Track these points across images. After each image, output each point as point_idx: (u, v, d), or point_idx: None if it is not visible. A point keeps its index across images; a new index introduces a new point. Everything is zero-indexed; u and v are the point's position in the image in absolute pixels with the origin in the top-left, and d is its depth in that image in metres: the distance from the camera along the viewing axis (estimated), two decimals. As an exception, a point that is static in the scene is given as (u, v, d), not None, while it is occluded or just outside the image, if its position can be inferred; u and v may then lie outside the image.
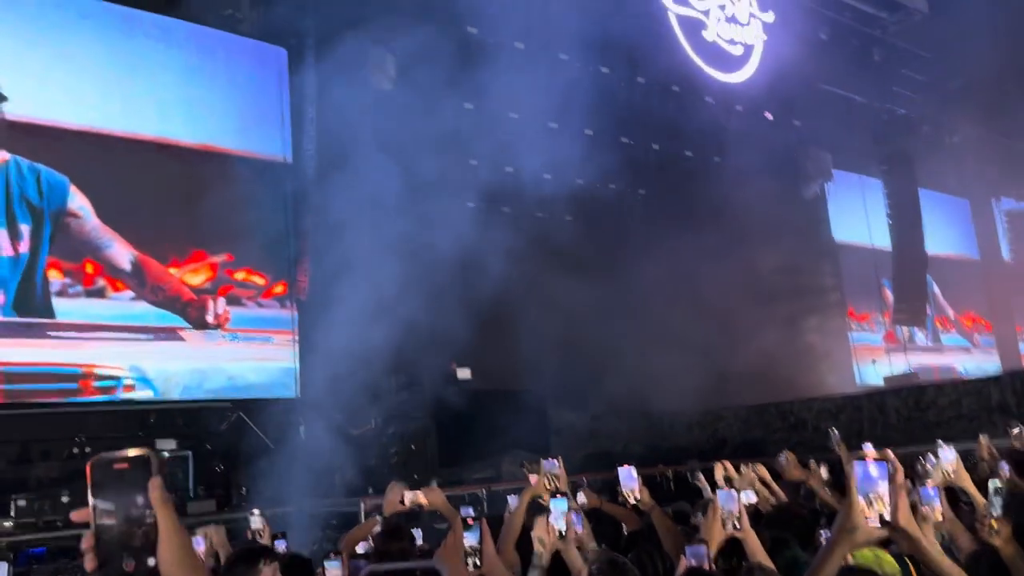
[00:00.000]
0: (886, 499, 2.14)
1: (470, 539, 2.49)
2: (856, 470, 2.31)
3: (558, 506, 3.19)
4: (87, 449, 9.58)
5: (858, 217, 21.33)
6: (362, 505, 9.01)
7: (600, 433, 14.21)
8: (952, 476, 3.72)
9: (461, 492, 10.08)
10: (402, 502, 4.28)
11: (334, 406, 10.05)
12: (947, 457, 3.82)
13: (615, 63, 15.53)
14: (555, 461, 4.34)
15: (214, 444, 10.80)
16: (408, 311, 9.94)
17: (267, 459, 10.31)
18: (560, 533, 3.20)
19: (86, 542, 1.20)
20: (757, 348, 15.87)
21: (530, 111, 13.96)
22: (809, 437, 12.78)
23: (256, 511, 4.48)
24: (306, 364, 11.30)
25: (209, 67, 12.17)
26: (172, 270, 11.05)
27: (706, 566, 2.60)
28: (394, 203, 9.91)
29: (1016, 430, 5.61)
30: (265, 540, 4.24)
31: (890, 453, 2.30)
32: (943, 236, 22.02)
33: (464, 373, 13.11)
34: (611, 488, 5.46)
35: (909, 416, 12.60)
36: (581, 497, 4.55)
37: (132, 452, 1.25)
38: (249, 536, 4.33)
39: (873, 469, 2.24)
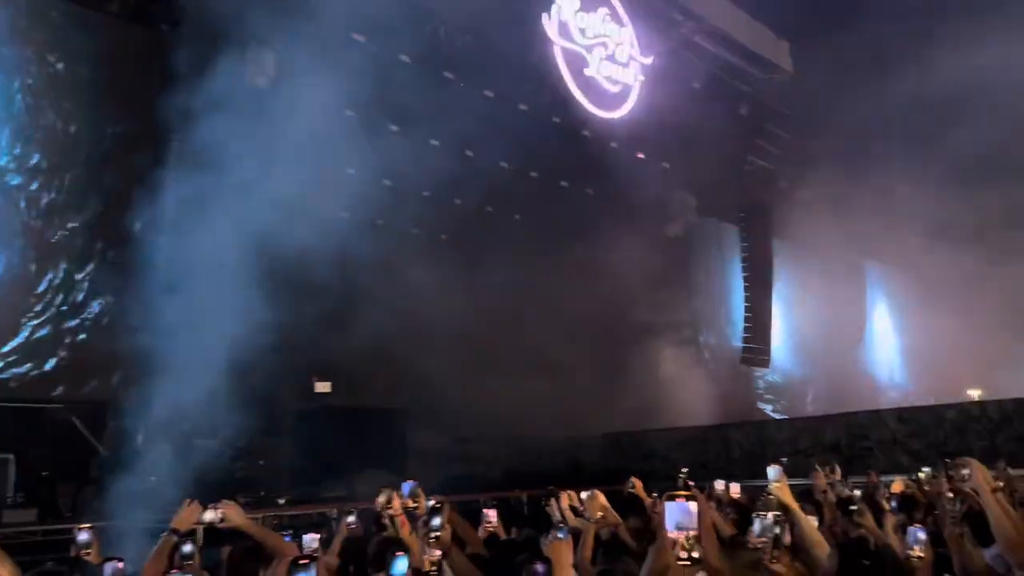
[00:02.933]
0: (694, 535, 2.20)
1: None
2: (667, 509, 2.36)
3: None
4: None
5: (715, 260, 22.54)
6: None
7: (461, 456, 14.12)
8: (777, 492, 3.90)
9: (311, 511, 9.73)
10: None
11: (177, 415, 9.48)
12: (772, 475, 4.01)
13: (499, 88, 15.71)
14: (412, 483, 4.18)
15: (41, 448, 9.91)
16: (267, 320, 9.56)
17: (100, 468, 9.59)
18: None
19: None
20: (616, 377, 16.32)
21: (413, 127, 13.90)
22: (659, 466, 13.21)
23: (85, 526, 4.03)
24: (152, 368, 10.63)
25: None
26: None
27: None
28: (255, 205, 9.54)
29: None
30: (93, 559, 3.82)
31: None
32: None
33: (323, 387, 12.75)
34: (470, 513, 5.39)
35: (751, 450, 13.26)
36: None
37: None
38: (73, 554, 3.87)
39: (680, 509, 2.30)
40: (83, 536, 3.92)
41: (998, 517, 3.29)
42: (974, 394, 14.46)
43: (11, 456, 9.44)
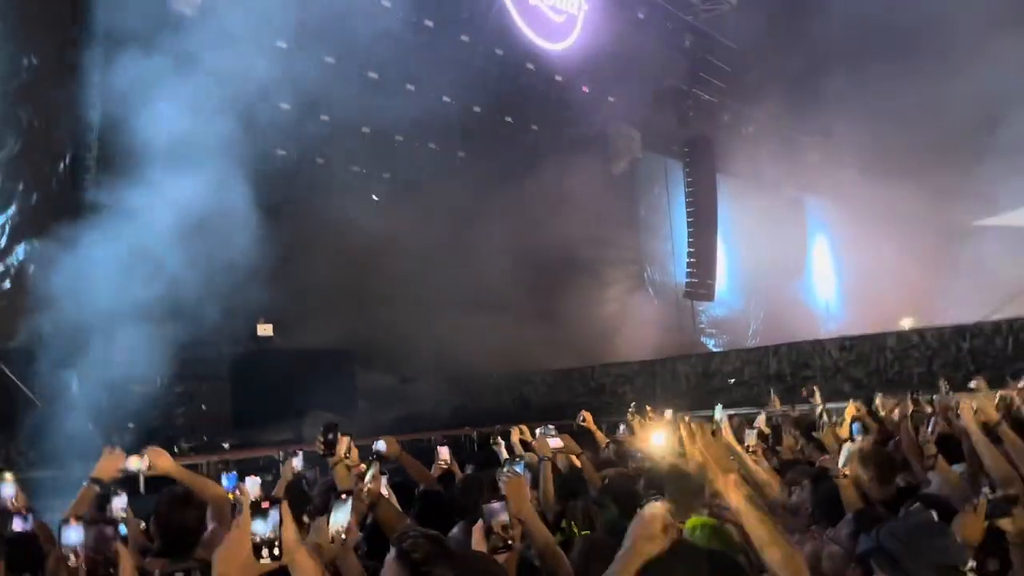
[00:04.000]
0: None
1: (262, 528, 1.86)
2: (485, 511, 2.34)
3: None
4: None
5: (659, 196, 22.60)
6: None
7: (408, 396, 14.04)
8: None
9: (256, 455, 9.56)
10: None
11: (113, 361, 9.13)
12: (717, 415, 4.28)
13: (440, 19, 15.19)
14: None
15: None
16: (206, 263, 9.22)
17: (33, 417, 9.22)
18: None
19: None
20: (562, 313, 16.36)
21: (350, 61, 13.38)
22: (607, 401, 13.34)
23: (7, 476, 3.78)
24: (84, 313, 10.19)
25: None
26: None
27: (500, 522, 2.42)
28: (185, 143, 9.10)
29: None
30: (19, 509, 3.58)
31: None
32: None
33: (266, 329, 12.44)
34: (420, 452, 5.30)
35: (697, 383, 13.47)
36: (381, 444, 4.30)
37: None
38: None
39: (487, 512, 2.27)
40: (6, 490, 3.68)
41: (993, 456, 3.39)
42: (906, 323, 14.86)
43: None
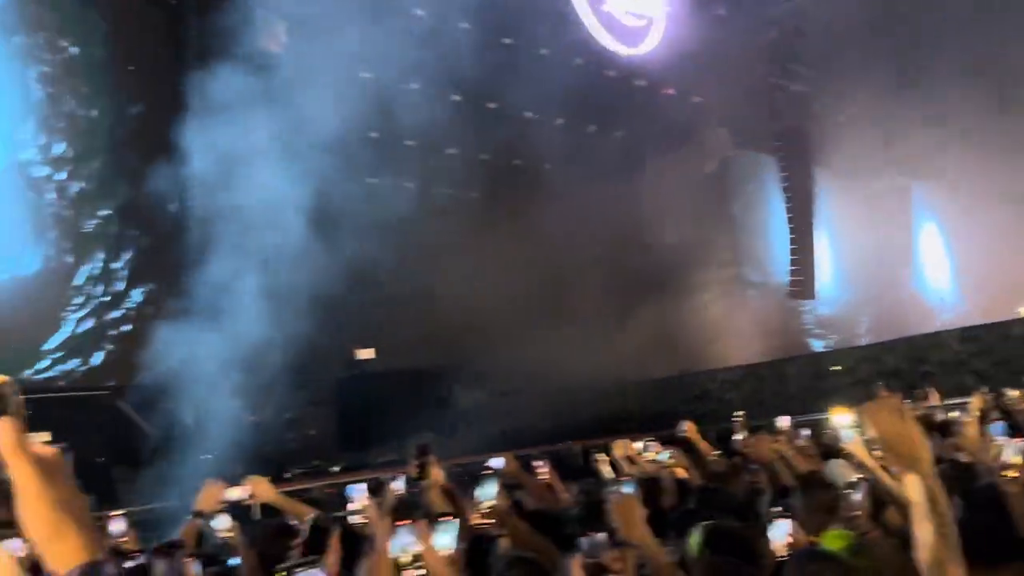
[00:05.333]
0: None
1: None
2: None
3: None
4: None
5: (754, 193, 21.90)
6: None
7: (506, 411, 14.00)
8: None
9: (363, 478, 9.68)
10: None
11: (225, 393, 9.48)
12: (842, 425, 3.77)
13: (518, 35, 15.24)
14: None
15: (92, 436, 9.98)
16: (306, 293, 9.48)
17: (152, 451, 9.65)
18: None
19: None
20: (659, 320, 16.00)
21: (433, 84, 13.56)
22: (712, 409, 12.94)
23: (118, 513, 3.86)
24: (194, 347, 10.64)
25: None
26: None
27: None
28: (283, 172, 9.38)
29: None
30: (130, 546, 3.66)
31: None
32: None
33: (367, 354, 12.68)
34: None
35: (808, 385, 12.89)
36: (499, 461, 4.19)
37: None
38: (111, 543, 3.70)
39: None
40: (117, 527, 3.77)
41: None
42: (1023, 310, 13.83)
43: (62, 446, 9.46)
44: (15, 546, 2.95)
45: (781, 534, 2.60)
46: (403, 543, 2.01)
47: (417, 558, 1.98)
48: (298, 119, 10.20)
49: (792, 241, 21.11)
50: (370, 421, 11.50)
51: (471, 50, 13.55)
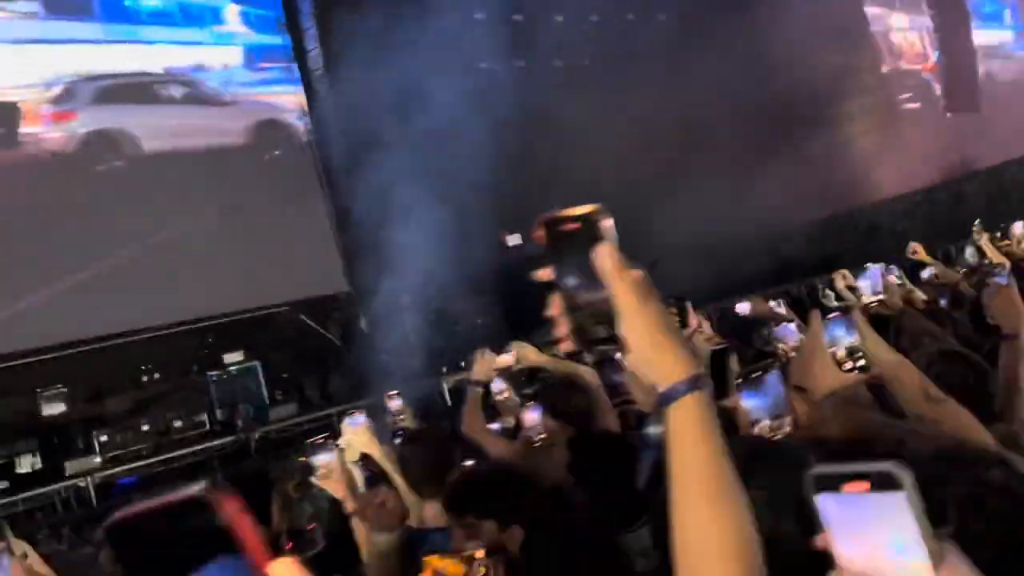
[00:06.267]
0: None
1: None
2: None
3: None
4: (155, 376, 9.49)
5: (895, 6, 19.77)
6: (444, 384, 8.86)
7: (663, 275, 13.66)
8: None
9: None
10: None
11: (388, 294, 9.76)
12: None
13: None
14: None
15: (280, 350, 10.52)
16: (450, 187, 9.48)
17: (336, 356, 10.10)
18: None
19: (555, 309, 1.18)
20: (810, 158, 14.97)
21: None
22: (886, 242, 12.11)
23: (393, 392, 4.10)
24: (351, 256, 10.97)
25: None
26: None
27: None
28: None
29: None
30: (407, 423, 3.91)
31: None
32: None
33: (515, 239, 12.62)
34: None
35: (990, 203, 11.80)
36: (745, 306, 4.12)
37: (580, 210, 1.15)
38: (389, 421, 3.98)
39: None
40: (394, 404, 3.96)
41: None
42: None
43: (256, 363, 10.05)
44: (359, 420, 3.24)
45: None
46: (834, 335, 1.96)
47: (853, 351, 1.86)
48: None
49: (943, 48, 19.05)
50: (531, 304, 11.50)
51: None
